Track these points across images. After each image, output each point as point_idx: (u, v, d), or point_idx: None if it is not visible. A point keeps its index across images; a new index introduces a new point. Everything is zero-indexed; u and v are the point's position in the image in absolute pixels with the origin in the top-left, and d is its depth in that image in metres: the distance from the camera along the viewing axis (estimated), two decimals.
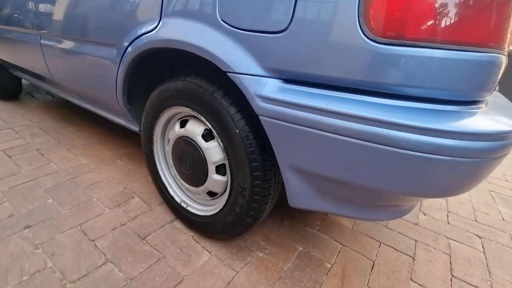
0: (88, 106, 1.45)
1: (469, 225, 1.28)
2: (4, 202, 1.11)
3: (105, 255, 0.91)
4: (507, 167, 1.99)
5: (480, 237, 1.21)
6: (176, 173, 1.05)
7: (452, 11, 0.47)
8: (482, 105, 0.57)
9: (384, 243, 1.10)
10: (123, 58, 0.94)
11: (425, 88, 0.50)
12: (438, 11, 0.46)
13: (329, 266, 0.97)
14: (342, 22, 0.51)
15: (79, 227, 1.02)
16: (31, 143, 1.61)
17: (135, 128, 1.22)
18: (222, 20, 0.66)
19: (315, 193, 0.69)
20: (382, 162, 0.52)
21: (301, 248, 1.03)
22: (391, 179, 0.54)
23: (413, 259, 1.04)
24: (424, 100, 0.52)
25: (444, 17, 0.46)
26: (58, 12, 1.18)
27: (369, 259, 1.01)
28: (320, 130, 0.56)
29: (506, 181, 1.80)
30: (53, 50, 1.32)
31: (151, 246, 0.97)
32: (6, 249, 0.90)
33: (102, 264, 0.88)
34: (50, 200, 1.15)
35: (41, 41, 1.37)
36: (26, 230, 0.98)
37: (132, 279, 0.84)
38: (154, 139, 1.04)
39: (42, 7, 1.26)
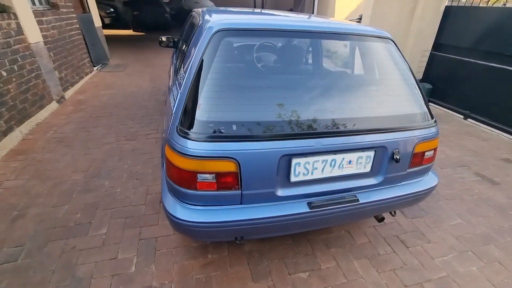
0: None
1: None
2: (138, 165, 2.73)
3: (145, 201, 2.26)
4: None
5: None
6: None
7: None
8: None
9: (253, 274, 1.77)
10: None
11: None
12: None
13: (210, 256, 1.83)
14: None
15: (149, 187, 2.44)
16: None
17: None
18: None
19: None
20: None
21: (208, 242, 1.93)
22: None
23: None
24: None
25: None
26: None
27: (241, 266, 1.76)
28: None
29: None
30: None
31: (159, 208, 2.22)
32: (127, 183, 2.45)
33: (141, 204, 2.23)
34: (150, 171, 2.66)
35: None
36: (136, 180, 2.52)
37: (144, 214, 2.13)
38: None
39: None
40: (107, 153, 2.93)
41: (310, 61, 2.04)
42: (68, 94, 4.47)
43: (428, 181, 1.68)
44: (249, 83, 1.45)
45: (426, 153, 1.58)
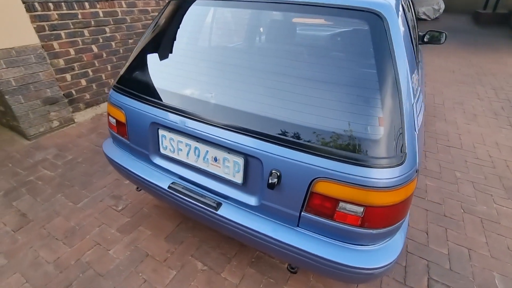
0: None
1: None
2: None
3: None
4: None
5: None
6: None
7: None
8: None
9: (171, 235, 1.89)
10: None
11: None
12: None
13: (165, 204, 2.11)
14: None
15: None
16: None
17: None
18: None
19: None
20: None
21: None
22: None
23: None
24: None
25: None
26: None
27: (172, 224, 1.97)
28: None
29: None
30: None
31: None
32: None
33: None
34: None
35: None
36: None
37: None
38: None
39: None
40: None
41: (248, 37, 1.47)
42: None
43: (361, 255, 0.98)
44: (161, 47, 1.46)
45: (341, 204, 0.94)
